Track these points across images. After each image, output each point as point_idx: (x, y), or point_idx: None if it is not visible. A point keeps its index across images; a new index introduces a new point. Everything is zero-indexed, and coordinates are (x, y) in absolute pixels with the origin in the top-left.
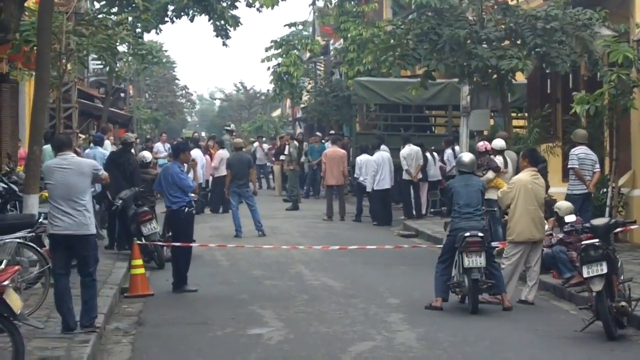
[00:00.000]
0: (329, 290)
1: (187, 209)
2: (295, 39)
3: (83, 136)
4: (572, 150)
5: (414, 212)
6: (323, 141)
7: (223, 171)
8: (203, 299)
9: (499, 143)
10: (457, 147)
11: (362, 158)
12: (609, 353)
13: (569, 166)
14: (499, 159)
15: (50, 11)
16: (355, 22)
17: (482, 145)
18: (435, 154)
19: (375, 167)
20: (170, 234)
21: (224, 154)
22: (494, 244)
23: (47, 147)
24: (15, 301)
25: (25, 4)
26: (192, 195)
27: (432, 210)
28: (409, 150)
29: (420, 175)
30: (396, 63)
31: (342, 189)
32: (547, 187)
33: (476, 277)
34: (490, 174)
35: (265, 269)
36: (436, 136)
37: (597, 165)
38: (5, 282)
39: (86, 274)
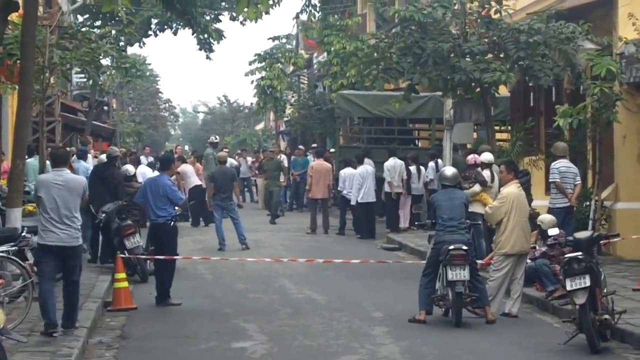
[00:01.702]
0: (313, 304)
1: (172, 222)
2: (279, 52)
3: (70, 149)
4: (553, 164)
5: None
6: (307, 154)
7: (195, 181)
8: (187, 312)
9: (487, 157)
10: (439, 161)
11: (346, 171)
12: None
13: (550, 180)
14: (486, 173)
15: (33, 25)
16: (338, 36)
17: (471, 158)
18: (421, 167)
19: (360, 181)
20: (153, 247)
21: (186, 167)
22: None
23: (30, 161)
24: None
25: (9, 18)
26: (177, 209)
27: (416, 223)
28: (393, 163)
29: (400, 190)
30: (380, 76)
31: (326, 203)
32: (530, 200)
33: (460, 291)
34: (476, 187)
35: (249, 283)
36: (419, 149)
37: (578, 178)
38: None
39: (71, 281)
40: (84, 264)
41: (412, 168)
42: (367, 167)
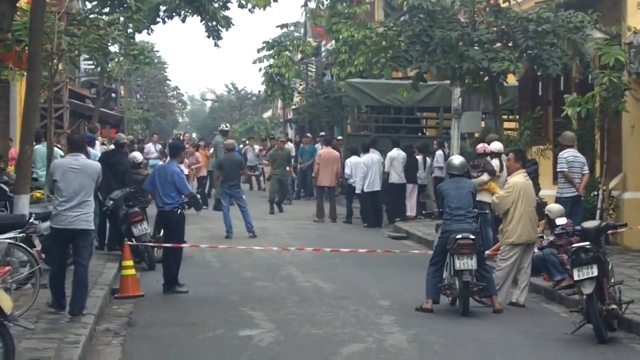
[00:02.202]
0: (319, 292)
1: (179, 210)
2: (287, 40)
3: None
4: (561, 153)
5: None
6: (315, 142)
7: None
8: (194, 300)
9: (497, 146)
10: (440, 152)
11: (352, 160)
12: (600, 356)
13: (558, 170)
14: (495, 162)
15: (42, 11)
16: (347, 24)
17: (480, 147)
18: (427, 158)
19: (364, 169)
20: (160, 234)
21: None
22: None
23: (39, 147)
24: (5, 302)
25: (18, 4)
26: (183, 197)
27: (423, 212)
28: (395, 154)
29: (401, 181)
30: (388, 65)
31: (333, 191)
32: (538, 189)
33: (467, 280)
34: (485, 176)
35: (256, 271)
36: (427, 138)
37: (586, 168)
38: None
39: (80, 265)
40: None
41: (419, 158)
42: (373, 155)
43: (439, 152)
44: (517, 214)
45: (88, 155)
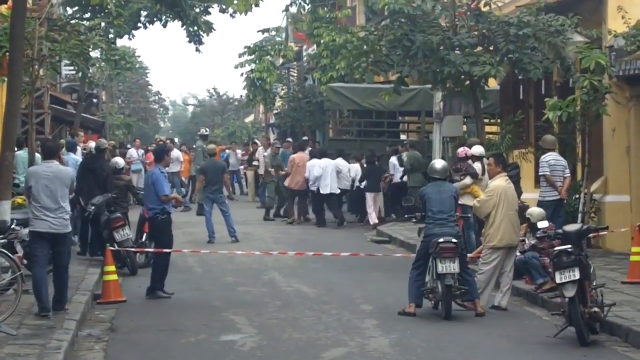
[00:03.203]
0: (302, 297)
1: (160, 216)
2: (269, 44)
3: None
4: (542, 157)
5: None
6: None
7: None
8: (176, 305)
9: (478, 149)
10: (404, 155)
11: (311, 162)
12: (582, 358)
13: (540, 173)
14: (477, 166)
15: (22, 17)
16: (328, 28)
17: (462, 151)
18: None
19: (319, 171)
20: (143, 240)
21: None
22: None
23: (20, 153)
24: None
25: None
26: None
27: (406, 215)
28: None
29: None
30: (369, 69)
31: (305, 194)
32: (520, 193)
33: (449, 283)
34: (467, 180)
35: (238, 276)
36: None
37: (567, 171)
38: None
39: (61, 266)
40: (73, 256)
41: (355, 166)
42: (329, 160)
43: (393, 159)
44: (498, 217)
45: (62, 162)
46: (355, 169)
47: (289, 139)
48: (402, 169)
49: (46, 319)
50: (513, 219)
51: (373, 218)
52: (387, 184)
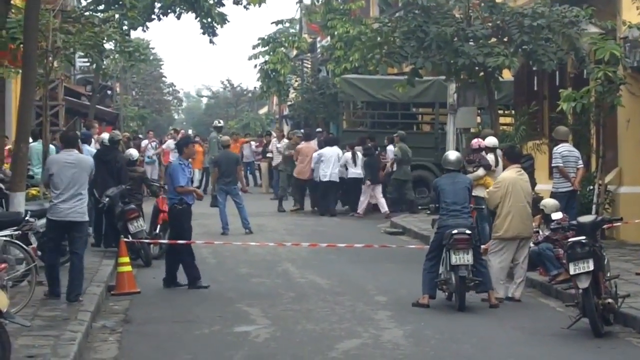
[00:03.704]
0: (316, 288)
1: (177, 206)
2: (282, 36)
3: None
4: (555, 148)
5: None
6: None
7: None
8: (190, 296)
9: (491, 141)
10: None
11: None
12: (596, 350)
13: (552, 165)
14: (490, 157)
15: (37, 9)
16: (342, 20)
17: (475, 142)
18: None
19: (321, 159)
20: (157, 231)
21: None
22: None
23: (34, 145)
24: (1, 299)
25: (12, 2)
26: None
27: (419, 207)
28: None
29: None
30: (383, 61)
31: (309, 183)
32: (534, 184)
33: (463, 275)
34: (480, 171)
35: (252, 267)
36: (423, 133)
37: (580, 162)
38: None
39: (76, 254)
40: (87, 248)
41: (348, 154)
42: (334, 149)
43: (390, 147)
44: (505, 209)
45: (81, 151)
46: (345, 158)
47: (303, 131)
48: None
49: (59, 310)
50: (522, 211)
51: (362, 208)
52: (385, 175)
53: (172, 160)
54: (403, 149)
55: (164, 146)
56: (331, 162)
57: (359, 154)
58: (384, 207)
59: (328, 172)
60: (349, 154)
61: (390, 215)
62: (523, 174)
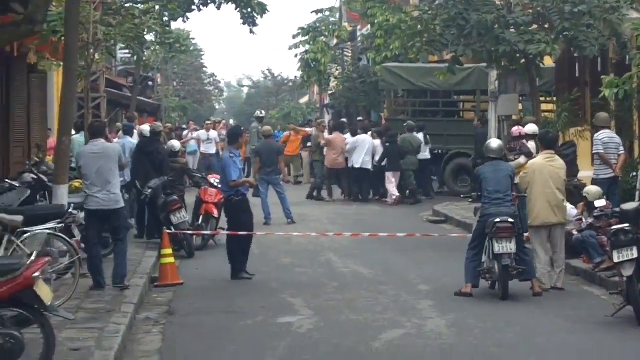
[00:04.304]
0: (358, 278)
1: (234, 198)
2: (323, 25)
3: (117, 125)
4: (596, 135)
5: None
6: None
7: None
8: (233, 287)
9: (532, 128)
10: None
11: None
12: None
13: (593, 151)
14: (531, 144)
15: (77, 1)
16: (382, 8)
17: (516, 130)
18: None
19: (352, 146)
20: (199, 222)
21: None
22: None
23: (76, 137)
24: (45, 293)
25: None
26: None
27: (462, 196)
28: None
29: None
30: (423, 49)
31: (343, 172)
32: (577, 171)
33: (506, 263)
34: (522, 159)
35: (294, 257)
36: (464, 121)
37: (622, 148)
38: (36, 274)
39: (118, 240)
40: (131, 239)
41: (377, 142)
42: (366, 136)
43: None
44: (532, 196)
45: (109, 140)
46: (375, 145)
47: (344, 120)
48: (427, 147)
49: (103, 303)
50: (550, 197)
51: (393, 195)
52: None
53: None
54: (407, 139)
55: (194, 135)
56: (364, 149)
57: (423, 136)
58: (391, 196)
59: (360, 159)
60: (377, 142)
61: (394, 203)
62: (554, 160)
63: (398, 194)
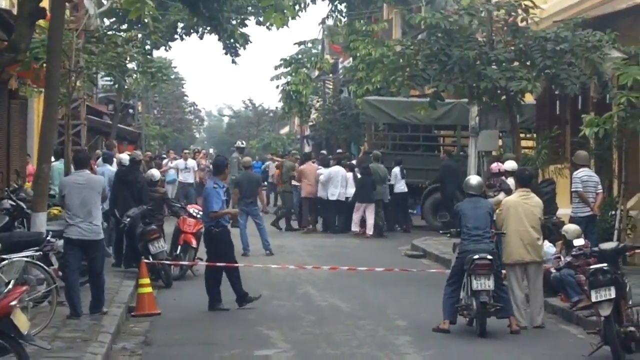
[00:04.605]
0: (336, 311)
1: (214, 229)
2: (305, 57)
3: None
4: (575, 172)
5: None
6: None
7: None
8: (210, 318)
9: (511, 165)
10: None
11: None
12: None
13: (572, 189)
14: (510, 181)
15: (60, 29)
16: (364, 41)
17: (495, 166)
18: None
19: (326, 178)
20: (177, 252)
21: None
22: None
23: (56, 164)
24: (22, 321)
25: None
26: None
27: (440, 232)
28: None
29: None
30: (405, 83)
31: (313, 202)
32: (555, 209)
33: (484, 300)
34: (501, 196)
35: (273, 289)
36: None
37: (600, 187)
38: (13, 303)
39: (94, 273)
40: (108, 268)
41: (349, 175)
42: (339, 168)
43: (396, 169)
44: (507, 233)
45: (93, 171)
46: (347, 178)
47: (323, 151)
48: (403, 180)
49: (80, 332)
50: (524, 235)
51: (355, 227)
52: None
53: (207, 183)
54: (374, 169)
55: (172, 164)
56: (338, 181)
57: (399, 170)
58: (370, 228)
59: (337, 191)
60: (397, 169)
61: (371, 237)
62: (529, 197)
63: (358, 228)
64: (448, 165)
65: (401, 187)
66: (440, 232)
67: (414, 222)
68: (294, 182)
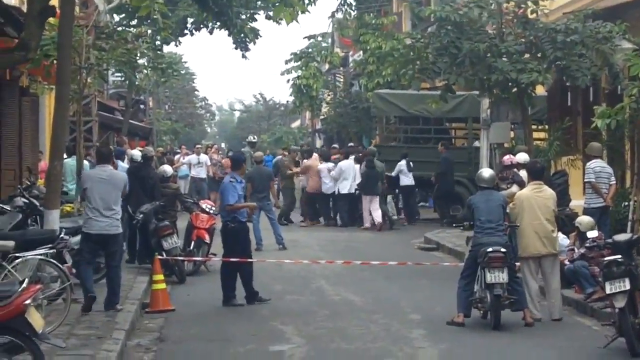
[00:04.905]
0: (350, 306)
1: (230, 224)
2: (315, 50)
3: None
4: (588, 164)
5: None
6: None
7: None
8: (224, 314)
9: (523, 157)
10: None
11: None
12: None
13: (585, 180)
14: (523, 173)
15: (70, 26)
16: (374, 34)
17: (507, 158)
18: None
19: (338, 173)
20: (191, 248)
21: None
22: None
23: (68, 161)
24: (36, 320)
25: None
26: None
27: (454, 225)
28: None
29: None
30: (416, 76)
31: (319, 196)
32: (568, 200)
33: (498, 293)
34: (514, 188)
35: (286, 284)
36: (456, 149)
37: (613, 178)
38: (27, 301)
39: (112, 267)
40: (122, 264)
41: (403, 162)
42: (350, 162)
43: (402, 163)
44: (521, 227)
45: (115, 167)
46: (399, 166)
47: (335, 145)
48: (410, 173)
49: (94, 329)
50: (539, 228)
51: (366, 220)
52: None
53: (225, 178)
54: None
55: (185, 159)
56: (350, 175)
57: (408, 164)
58: (367, 221)
59: (348, 185)
60: (403, 162)
61: (383, 227)
62: (542, 190)
63: (370, 223)
64: (447, 158)
65: (408, 180)
66: (454, 225)
67: (426, 214)
68: (301, 176)
